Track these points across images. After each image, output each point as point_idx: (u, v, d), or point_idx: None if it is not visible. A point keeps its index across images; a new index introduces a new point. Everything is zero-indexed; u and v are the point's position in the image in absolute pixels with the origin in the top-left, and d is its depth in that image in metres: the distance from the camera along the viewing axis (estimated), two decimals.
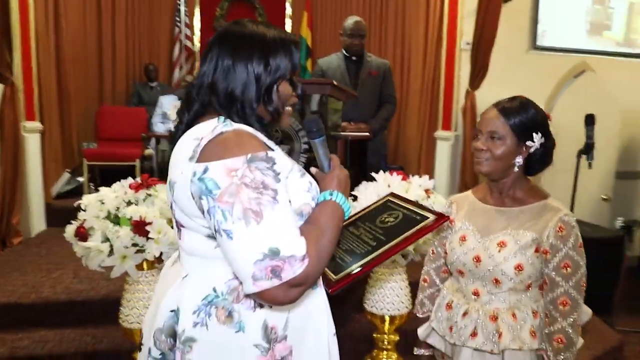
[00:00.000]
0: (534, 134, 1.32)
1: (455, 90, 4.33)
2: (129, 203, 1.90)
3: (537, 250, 1.29)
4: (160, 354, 0.99)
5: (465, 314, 1.36)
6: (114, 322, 2.10)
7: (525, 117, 1.31)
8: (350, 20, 3.21)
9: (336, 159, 1.07)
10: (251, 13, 6.08)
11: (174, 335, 0.96)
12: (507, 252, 1.29)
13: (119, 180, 1.98)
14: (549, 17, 4.60)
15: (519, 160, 1.33)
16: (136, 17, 5.51)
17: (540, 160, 1.36)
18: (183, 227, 0.98)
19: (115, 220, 1.88)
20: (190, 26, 5.70)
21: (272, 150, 0.93)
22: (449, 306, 1.42)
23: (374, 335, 2.25)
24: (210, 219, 0.86)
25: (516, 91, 1.44)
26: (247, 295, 0.91)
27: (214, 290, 0.94)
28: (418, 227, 1.08)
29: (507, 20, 4.09)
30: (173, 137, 1.03)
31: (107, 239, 1.83)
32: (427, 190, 2.00)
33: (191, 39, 5.70)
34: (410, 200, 1.22)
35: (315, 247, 0.87)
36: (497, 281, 1.31)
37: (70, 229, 1.91)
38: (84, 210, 1.92)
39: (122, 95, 5.45)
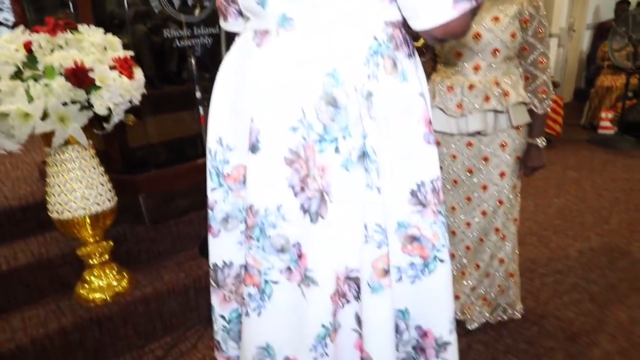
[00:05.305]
0: None
1: None
2: (47, 51, 1.42)
3: (519, 21, 1.48)
4: (323, 128, 0.83)
5: (470, 86, 1.52)
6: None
7: None
8: None
9: None
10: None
11: (334, 103, 0.82)
12: (502, 24, 1.46)
13: None
14: None
15: None
16: None
17: None
18: None
19: (29, 76, 1.40)
20: None
21: None
22: (450, 88, 1.55)
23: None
24: None
25: None
26: (418, 32, 0.82)
27: (375, 38, 0.83)
28: None
29: None
30: None
31: (31, 99, 1.37)
32: None
33: None
34: None
35: None
36: (495, 51, 1.48)
37: None
38: None
39: None
